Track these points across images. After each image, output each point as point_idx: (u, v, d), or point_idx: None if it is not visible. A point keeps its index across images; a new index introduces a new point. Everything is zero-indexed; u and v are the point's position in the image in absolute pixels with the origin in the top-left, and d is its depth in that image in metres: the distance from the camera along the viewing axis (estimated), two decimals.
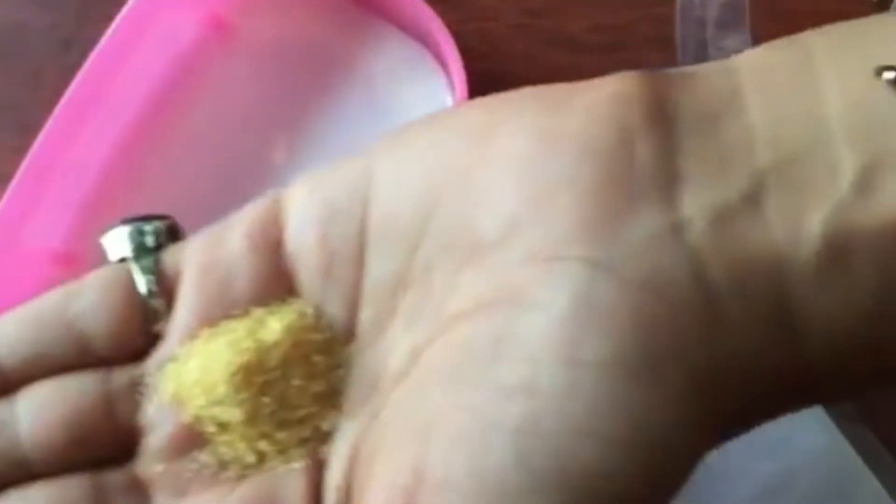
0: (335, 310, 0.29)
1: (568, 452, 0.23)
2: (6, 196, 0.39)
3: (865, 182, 0.24)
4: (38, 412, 0.29)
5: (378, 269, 0.28)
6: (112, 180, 0.43)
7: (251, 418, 0.28)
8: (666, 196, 0.25)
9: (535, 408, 0.24)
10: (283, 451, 0.28)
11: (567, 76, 0.28)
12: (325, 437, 0.28)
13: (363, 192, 0.28)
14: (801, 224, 0.24)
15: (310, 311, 0.29)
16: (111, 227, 0.31)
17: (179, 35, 0.43)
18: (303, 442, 0.28)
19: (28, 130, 0.40)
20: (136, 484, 0.29)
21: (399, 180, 0.28)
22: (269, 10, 0.44)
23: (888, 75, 0.24)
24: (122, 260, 0.30)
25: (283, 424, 0.28)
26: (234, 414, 0.28)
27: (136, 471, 0.29)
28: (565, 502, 0.24)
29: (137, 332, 0.30)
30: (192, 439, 0.29)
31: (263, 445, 0.28)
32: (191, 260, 0.30)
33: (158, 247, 0.30)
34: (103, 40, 0.40)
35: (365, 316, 0.29)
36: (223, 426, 0.28)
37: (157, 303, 0.30)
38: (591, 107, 0.26)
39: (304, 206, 0.29)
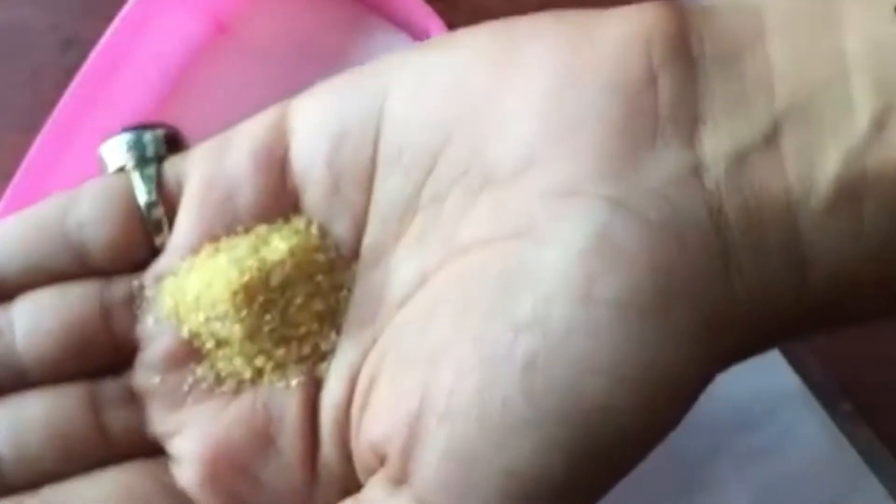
0: (340, 230, 0.29)
1: (575, 388, 0.24)
2: (6, 195, 0.39)
3: (882, 124, 0.24)
4: (35, 320, 0.29)
5: (387, 192, 0.28)
6: None
7: (251, 335, 0.28)
8: (687, 137, 0.25)
9: (545, 343, 0.24)
10: (280, 367, 0.29)
11: None
12: (323, 356, 0.29)
13: (376, 113, 0.28)
14: (816, 165, 0.24)
15: (314, 230, 0.29)
16: (110, 136, 0.30)
17: (179, 34, 0.43)
18: (301, 360, 0.29)
19: (28, 130, 0.40)
20: (132, 395, 0.29)
21: (414, 104, 0.28)
22: (269, 9, 0.44)
23: None
24: (122, 170, 0.30)
25: (282, 342, 0.28)
26: (233, 331, 0.28)
27: (132, 382, 0.29)
28: (569, 436, 0.24)
29: (137, 244, 0.29)
30: (189, 353, 0.29)
31: (261, 362, 0.28)
32: (193, 172, 0.29)
33: (160, 156, 0.30)
34: (103, 40, 0.40)
35: (370, 238, 0.28)
36: (221, 342, 0.28)
37: (158, 214, 0.29)
38: (615, 40, 0.26)
39: (313, 123, 0.29)
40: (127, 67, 0.41)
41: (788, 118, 0.24)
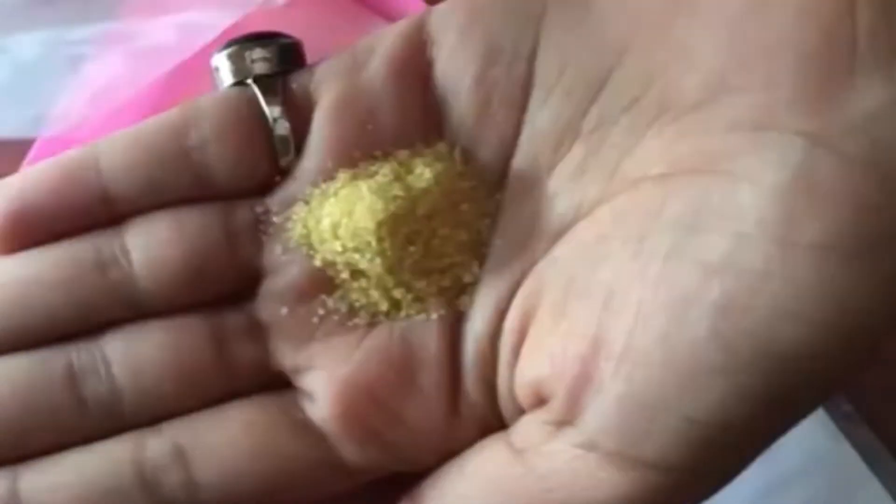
0: (486, 155, 0.27)
1: (768, 332, 0.23)
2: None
3: None
4: (153, 247, 0.26)
5: (542, 117, 0.26)
6: None
7: (392, 268, 0.26)
8: (888, 68, 0.23)
9: (737, 285, 0.23)
10: (419, 300, 0.27)
11: None
12: (464, 289, 0.27)
13: (534, 29, 0.26)
14: None
15: (457, 155, 0.27)
16: (222, 47, 0.28)
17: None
18: (441, 292, 0.27)
19: None
20: (256, 327, 0.27)
21: (577, 22, 0.26)
22: (268, 9, 0.43)
23: None
24: (240, 83, 0.27)
25: (423, 274, 0.27)
26: (375, 262, 0.26)
27: (257, 314, 0.27)
28: (759, 384, 0.23)
29: (262, 165, 0.27)
30: (320, 284, 0.27)
31: (399, 294, 0.27)
32: (326, 88, 0.27)
33: (283, 70, 0.27)
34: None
35: (519, 165, 0.27)
36: (357, 273, 0.27)
37: (284, 131, 0.27)
38: None
39: (460, 37, 0.27)
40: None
41: None
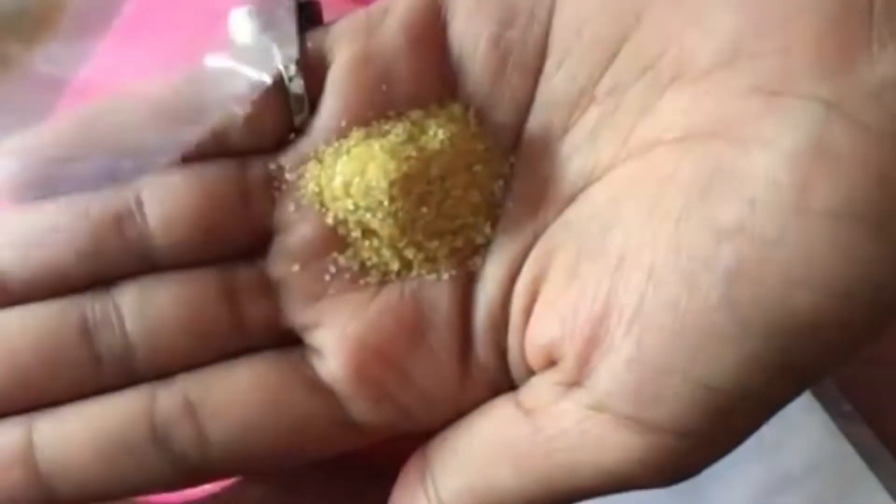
0: (500, 117, 0.27)
1: (780, 300, 0.23)
2: None
3: None
4: (167, 201, 0.26)
5: (558, 80, 0.26)
6: None
7: (404, 227, 0.26)
8: None
9: (752, 251, 0.23)
10: (430, 260, 0.27)
11: None
12: (476, 250, 0.27)
13: None
14: None
15: (471, 117, 0.27)
16: (236, 6, 0.28)
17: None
18: (453, 252, 0.27)
19: None
20: (268, 284, 0.27)
21: None
22: None
23: None
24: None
25: (435, 234, 0.27)
26: (386, 222, 0.26)
27: (268, 270, 0.27)
28: (771, 351, 0.23)
29: (276, 122, 0.27)
30: (332, 241, 0.27)
31: (411, 253, 0.27)
32: (341, 47, 0.27)
33: (300, 27, 0.27)
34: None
35: (533, 127, 0.27)
36: (369, 232, 0.27)
37: (299, 89, 0.27)
38: None
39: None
40: None
41: None
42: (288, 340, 0.27)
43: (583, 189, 0.26)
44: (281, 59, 0.27)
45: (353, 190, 0.26)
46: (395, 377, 0.27)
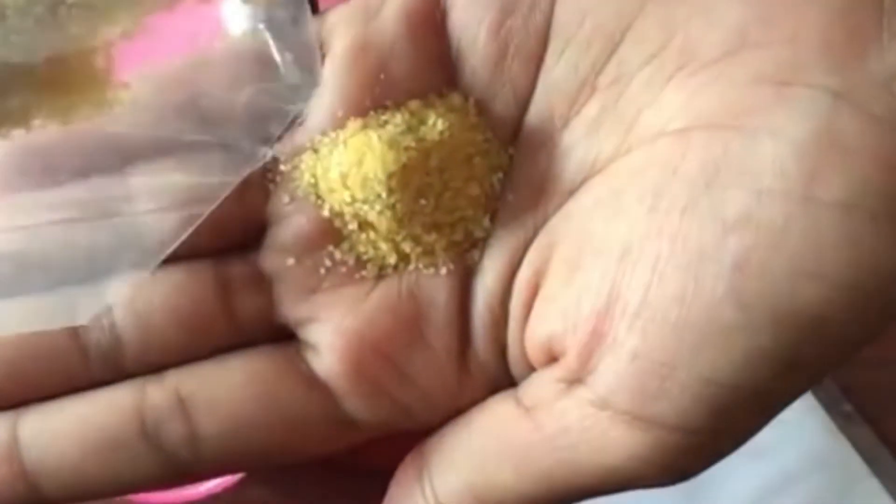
0: (499, 107, 0.26)
1: (787, 292, 0.22)
2: None
3: None
4: (157, 195, 0.26)
5: (560, 70, 0.26)
6: None
7: (401, 220, 0.26)
8: None
9: (758, 242, 0.22)
10: (428, 254, 0.26)
11: None
12: (475, 243, 0.27)
13: None
14: None
15: (471, 107, 0.26)
16: None
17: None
18: (451, 246, 0.26)
19: None
20: (261, 277, 0.26)
21: None
22: None
23: None
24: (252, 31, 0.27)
25: (433, 227, 0.26)
26: (384, 215, 0.26)
27: (262, 263, 0.26)
28: (778, 344, 0.22)
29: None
30: (327, 234, 0.26)
31: (408, 247, 0.26)
32: (337, 35, 0.26)
33: (295, 17, 0.26)
34: None
35: (534, 118, 0.26)
36: (366, 225, 0.26)
37: (295, 80, 0.26)
38: None
39: None
40: None
41: None
42: (282, 335, 0.27)
43: (584, 181, 0.26)
44: (276, 48, 0.26)
45: (350, 182, 0.26)
46: (392, 373, 0.26)
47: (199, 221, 0.25)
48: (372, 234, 0.26)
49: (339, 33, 0.26)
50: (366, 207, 0.26)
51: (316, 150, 0.26)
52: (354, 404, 0.26)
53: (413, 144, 0.25)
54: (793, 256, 0.22)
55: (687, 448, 0.23)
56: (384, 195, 0.25)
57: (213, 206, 0.25)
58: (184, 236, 0.25)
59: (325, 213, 0.26)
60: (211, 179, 0.26)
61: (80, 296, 0.25)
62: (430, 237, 0.26)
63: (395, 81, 0.26)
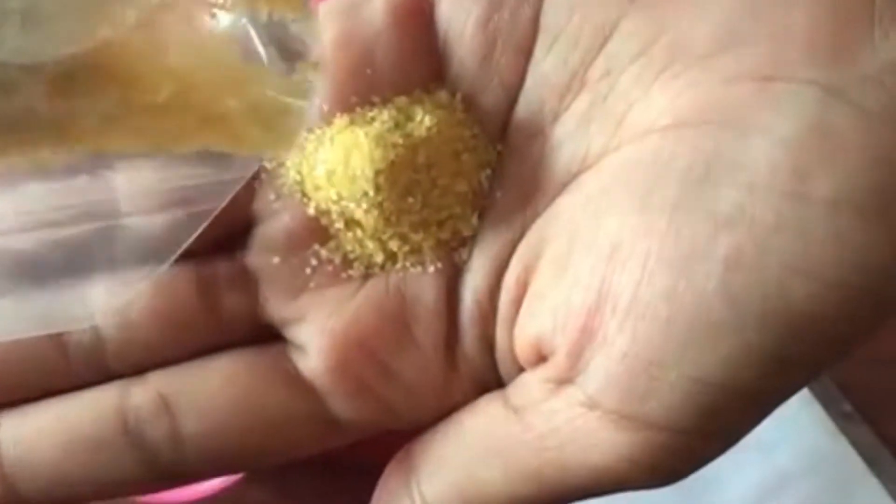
0: (487, 103, 0.26)
1: (778, 289, 0.22)
2: None
3: None
4: (145, 196, 0.25)
5: (549, 64, 0.25)
6: None
7: (389, 218, 0.25)
8: None
9: (747, 239, 0.22)
10: (416, 252, 0.26)
11: None
12: (463, 241, 0.26)
13: None
14: None
15: (458, 103, 0.26)
16: None
17: None
18: (439, 244, 0.26)
19: None
20: (246, 276, 0.26)
21: None
22: None
23: None
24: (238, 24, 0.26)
25: (420, 225, 0.26)
26: (371, 213, 0.25)
27: (247, 262, 0.26)
28: (768, 343, 0.22)
29: None
30: (313, 233, 0.26)
31: (395, 245, 0.26)
32: (323, 28, 0.26)
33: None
34: None
35: (522, 113, 0.26)
36: (352, 223, 0.26)
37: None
38: None
39: None
40: None
41: None
42: (267, 335, 0.26)
43: (574, 177, 0.25)
44: (260, 43, 0.26)
45: (336, 179, 0.25)
46: (379, 373, 0.26)
47: (207, 221, 0.25)
48: (359, 233, 0.26)
49: (323, 28, 0.26)
50: (352, 205, 0.25)
51: (301, 147, 0.26)
52: (340, 404, 0.26)
53: (400, 141, 0.25)
54: (784, 254, 0.22)
55: (675, 449, 0.23)
56: (371, 193, 0.25)
57: (221, 204, 0.25)
58: (191, 238, 0.25)
59: (311, 211, 0.26)
60: (204, 179, 0.25)
61: (67, 300, 0.25)
62: (418, 235, 0.26)
63: (382, 77, 0.26)
